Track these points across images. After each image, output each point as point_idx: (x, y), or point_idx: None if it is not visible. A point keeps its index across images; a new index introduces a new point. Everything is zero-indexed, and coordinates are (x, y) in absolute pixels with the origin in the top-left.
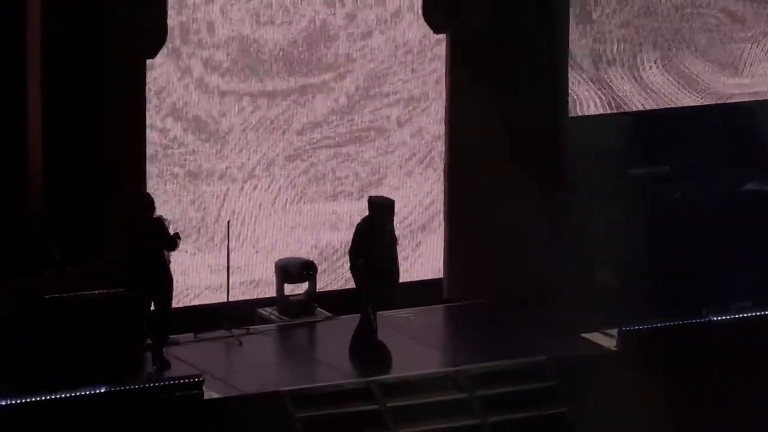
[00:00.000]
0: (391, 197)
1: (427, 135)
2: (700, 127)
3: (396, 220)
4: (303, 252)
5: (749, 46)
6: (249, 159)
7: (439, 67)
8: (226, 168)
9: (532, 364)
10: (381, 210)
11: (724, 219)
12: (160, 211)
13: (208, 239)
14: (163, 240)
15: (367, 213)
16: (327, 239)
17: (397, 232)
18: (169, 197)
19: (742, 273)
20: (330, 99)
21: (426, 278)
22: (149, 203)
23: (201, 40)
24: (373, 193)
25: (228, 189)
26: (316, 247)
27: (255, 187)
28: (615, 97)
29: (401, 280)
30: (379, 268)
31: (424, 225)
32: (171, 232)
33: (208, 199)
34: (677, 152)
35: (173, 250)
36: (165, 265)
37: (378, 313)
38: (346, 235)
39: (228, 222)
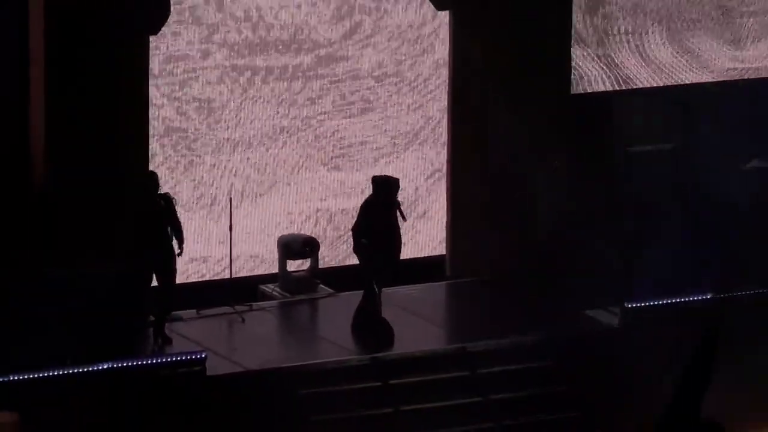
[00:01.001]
0: (395, 173)
1: (431, 111)
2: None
3: (400, 196)
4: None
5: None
6: (249, 132)
7: (443, 44)
8: (228, 141)
9: (535, 341)
10: (385, 188)
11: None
12: (165, 188)
13: (210, 213)
14: (171, 217)
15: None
16: (331, 208)
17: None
18: (174, 174)
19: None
20: (332, 73)
21: (429, 255)
22: (154, 180)
23: (203, 16)
24: (376, 169)
25: (231, 163)
26: (318, 221)
27: (256, 161)
28: (621, 74)
29: (404, 256)
30: (384, 245)
31: (427, 201)
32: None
33: (211, 175)
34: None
35: (180, 235)
36: (169, 241)
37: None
38: (348, 205)
39: (230, 198)
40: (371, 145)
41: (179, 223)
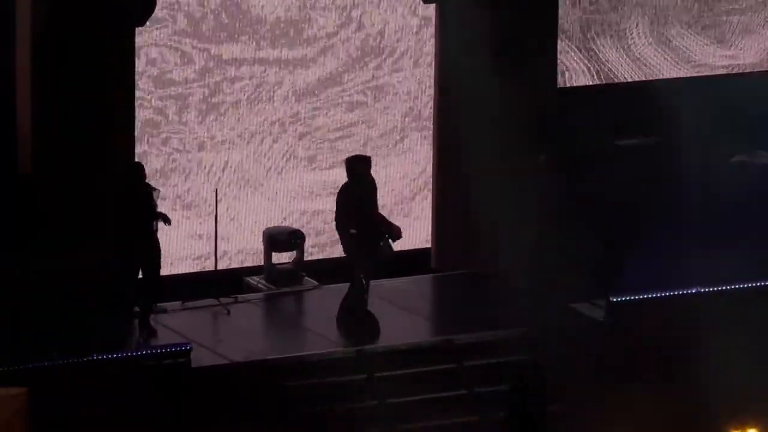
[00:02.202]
0: (380, 166)
1: (417, 106)
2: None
3: (385, 189)
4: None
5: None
6: (238, 127)
7: (429, 38)
8: (215, 137)
9: (520, 334)
10: (359, 164)
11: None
12: (152, 181)
13: (195, 209)
14: (151, 209)
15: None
16: (315, 207)
17: (386, 200)
18: (160, 165)
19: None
20: (319, 68)
21: (414, 248)
22: (139, 172)
23: (189, 6)
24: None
25: (218, 157)
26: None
27: (246, 154)
28: (604, 68)
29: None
30: (371, 234)
31: (413, 195)
32: (158, 201)
33: (197, 167)
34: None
35: (164, 221)
36: (153, 233)
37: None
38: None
39: (216, 190)
40: (358, 141)
41: (160, 215)
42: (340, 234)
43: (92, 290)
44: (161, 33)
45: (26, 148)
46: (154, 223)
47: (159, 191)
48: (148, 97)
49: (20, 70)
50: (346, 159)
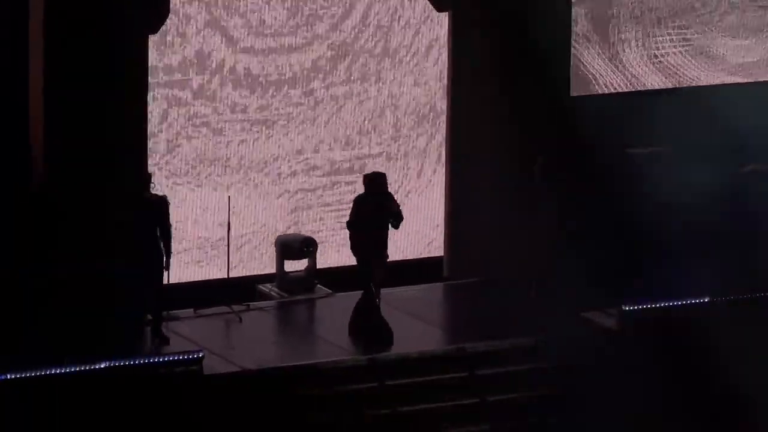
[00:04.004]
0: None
1: (430, 113)
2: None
3: (397, 196)
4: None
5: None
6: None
7: (441, 46)
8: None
9: (532, 343)
10: (376, 182)
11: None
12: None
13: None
14: (162, 219)
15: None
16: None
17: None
18: (174, 177)
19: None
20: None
21: (426, 256)
22: (146, 180)
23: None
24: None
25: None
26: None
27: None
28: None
29: (402, 257)
30: (378, 239)
31: (426, 202)
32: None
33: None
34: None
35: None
36: (159, 242)
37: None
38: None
39: (228, 197)
40: (369, 144)
41: (169, 226)
42: (351, 240)
43: (105, 298)
44: (175, 33)
45: (39, 156)
46: (166, 230)
47: (168, 203)
48: (160, 99)
49: (33, 79)
50: (364, 176)
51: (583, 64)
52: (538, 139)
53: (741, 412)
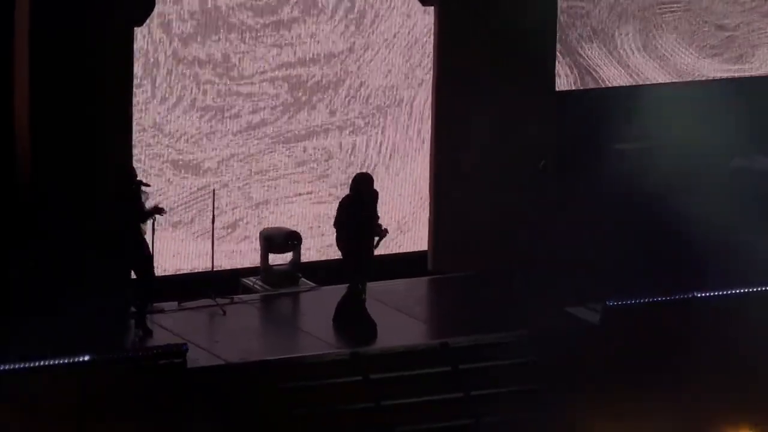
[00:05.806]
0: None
1: (415, 109)
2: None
3: (382, 193)
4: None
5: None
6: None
7: (428, 42)
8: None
9: (516, 337)
10: (363, 183)
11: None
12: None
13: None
14: (140, 208)
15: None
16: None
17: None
18: (157, 168)
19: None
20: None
21: (411, 250)
22: (128, 173)
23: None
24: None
25: (216, 161)
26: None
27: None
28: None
29: (387, 252)
30: (365, 238)
31: (410, 198)
32: (147, 201)
33: (196, 168)
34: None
35: (144, 221)
36: (141, 234)
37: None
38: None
39: (213, 190)
40: (354, 142)
41: (154, 209)
42: (336, 235)
43: (88, 291)
44: (161, 27)
45: (24, 149)
46: (146, 221)
47: (147, 194)
48: (146, 95)
49: (18, 71)
50: (353, 178)
51: (574, 56)
52: (524, 134)
53: (722, 406)
